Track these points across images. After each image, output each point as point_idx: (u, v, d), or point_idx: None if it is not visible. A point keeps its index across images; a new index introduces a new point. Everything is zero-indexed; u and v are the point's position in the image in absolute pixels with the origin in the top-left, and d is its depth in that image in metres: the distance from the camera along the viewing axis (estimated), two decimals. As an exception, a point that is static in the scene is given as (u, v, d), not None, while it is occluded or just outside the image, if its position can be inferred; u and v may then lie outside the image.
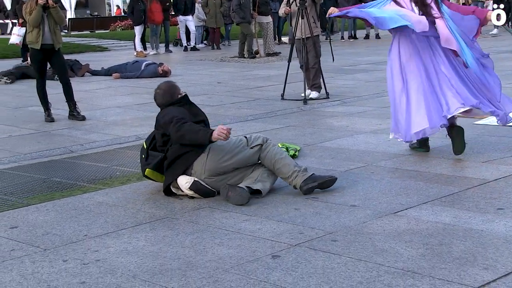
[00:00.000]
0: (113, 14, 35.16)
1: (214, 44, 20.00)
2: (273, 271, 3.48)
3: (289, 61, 9.61)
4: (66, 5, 31.71)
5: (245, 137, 5.06)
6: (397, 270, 3.42)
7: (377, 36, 21.60)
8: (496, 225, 4.04)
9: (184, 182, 4.88)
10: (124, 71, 13.20)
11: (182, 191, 4.92)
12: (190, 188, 4.85)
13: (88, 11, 38.01)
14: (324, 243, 3.86)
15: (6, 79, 12.60)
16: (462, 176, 5.21)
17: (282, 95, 9.57)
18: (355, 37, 21.68)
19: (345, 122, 7.72)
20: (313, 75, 9.49)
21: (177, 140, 4.92)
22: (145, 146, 5.23)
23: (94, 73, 13.64)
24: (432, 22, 5.80)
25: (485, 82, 5.88)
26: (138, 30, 18.20)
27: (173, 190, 4.98)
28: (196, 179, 4.86)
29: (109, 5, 39.53)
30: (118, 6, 37.62)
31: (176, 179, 4.92)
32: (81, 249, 3.91)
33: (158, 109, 8.92)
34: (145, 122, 8.23)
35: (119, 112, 9.04)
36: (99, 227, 4.33)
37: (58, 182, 5.54)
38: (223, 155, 4.90)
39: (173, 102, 5.19)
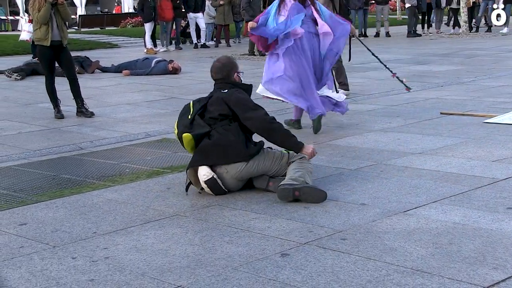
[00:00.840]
0: (124, 11, 35.17)
1: (224, 41, 19.97)
2: (282, 269, 3.47)
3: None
4: (77, 2, 31.77)
5: (288, 152, 4.99)
6: (406, 269, 3.40)
7: (387, 34, 21.54)
8: (506, 224, 4.02)
9: (203, 173, 4.83)
10: (134, 68, 13.22)
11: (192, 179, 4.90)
12: (206, 182, 4.81)
13: (98, 8, 38.09)
14: (334, 241, 3.85)
15: (17, 76, 12.63)
16: (471, 175, 5.18)
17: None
18: (365, 35, 21.59)
19: (355, 120, 7.70)
20: (336, 73, 9.38)
21: (262, 131, 4.90)
22: (192, 108, 5.04)
23: (104, 69, 13.66)
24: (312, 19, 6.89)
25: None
26: (148, 27, 18.21)
27: (188, 174, 4.92)
28: (215, 176, 4.82)
29: (120, 3, 39.60)
30: (117, 3, 37.50)
31: (199, 165, 4.85)
32: (90, 246, 3.92)
33: (168, 106, 8.98)
34: (155, 119, 8.25)
35: (129, 109, 9.05)
36: (108, 224, 4.33)
37: (68, 179, 5.55)
38: (261, 167, 4.88)
39: (234, 83, 5.13)
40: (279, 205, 4.60)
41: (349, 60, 8.75)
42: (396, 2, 30.67)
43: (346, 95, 8.87)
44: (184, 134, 4.90)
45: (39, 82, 12.12)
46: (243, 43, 20.30)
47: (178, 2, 19.18)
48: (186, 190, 4.96)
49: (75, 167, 5.99)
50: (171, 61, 13.27)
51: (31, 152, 6.59)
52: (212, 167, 4.86)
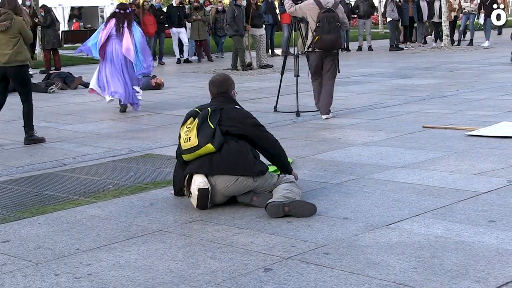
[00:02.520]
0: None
1: (203, 56, 19.99)
2: (265, 284, 3.48)
3: (282, 73, 9.64)
4: (60, 18, 31.71)
5: (278, 175, 5.08)
6: (389, 283, 3.43)
7: (370, 48, 21.69)
8: (488, 237, 4.06)
9: (200, 180, 4.84)
10: None
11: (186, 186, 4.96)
12: (200, 190, 4.81)
13: (81, 24, 38.01)
14: (317, 256, 3.86)
15: None
16: (453, 188, 5.23)
17: (275, 107, 9.59)
18: (348, 49, 21.75)
19: (337, 135, 7.75)
20: None
21: (273, 149, 5.11)
22: (209, 119, 4.95)
23: (87, 85, 13.62)
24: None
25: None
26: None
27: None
28: (210, 189, 4.84)
29: (103, 17, 39.55)
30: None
31: (197, 174, 4.87)
32: (73, 263, 3.91)
33: (152, 122, 8.97)
34: (138, 134, 8.24)
35: (112, 125, 9.04)
36: (91, 240, 4.32)
37: (50, 195, 5.53)
38: (250, 185, 4.92)
39: (232, 99, 5.24)
40: (262, 220, 4.61)
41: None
42: (378, 16, 30.89)
43: None
44: (208, 145, 4.85)
45: (10, 98, 12.08)
46: (225, 57, 20.35)
47: (161, 17, 19.21)
48: (177, 195, 5.19)
49: (58, 183, 5.97)
50: (154, 76, 13.27)
51: (13, 168, 6.56)
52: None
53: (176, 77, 15.74)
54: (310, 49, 8.97)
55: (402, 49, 21.27)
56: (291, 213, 4.62)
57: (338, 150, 6.88)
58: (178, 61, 19.58)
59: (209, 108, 5.01)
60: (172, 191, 5.35)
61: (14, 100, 11.89)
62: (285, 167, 5.22)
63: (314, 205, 4.69)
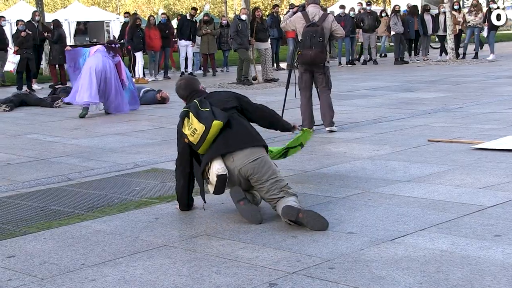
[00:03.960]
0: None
1: (211, 70, 20.05)
2: (270, 299, 3.47)
3: (287, 87, 9.66)
4: (66, 32, 31.81)
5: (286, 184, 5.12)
6: (394, 298, 3.42)
7: (375, 62, 21.73)
8: (494, 252, 4.05)
9: (218, 166, 4.88)
10: None
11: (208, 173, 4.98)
12: (219, 176, 4.85)
13: (87, 38, 38.22)
14: (322, 270, 3.86)
15: (5, 107, 12.65)
16: (459, 202, 5.22)
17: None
18: (352, 63, 21.79)
19: (342, 148, 7.75)
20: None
21: (270, 117, 5.46)
22: (199, 107, 4.99)
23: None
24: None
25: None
26: (139, 56, 18.32)
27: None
28: (228, 174, 4.88)
29: (108, 32, 39.74)
30: (107, 31, 37.67)
31: (216, 158, 4.90)
32: (78, 278, 3.91)
33: (157, 136, 9.00)
34: (144, 149, 8.26)
35: (118, 139, 9.07)
36: (97, 255, 4.33)
37: (56, 210, 5.54)
38: (265, 169, 4.93)
39: (203, 92, 5.33)
40: (267, 234, 4.61)
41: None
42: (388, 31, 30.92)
43: None
44: (215, 122, 4.86)
45: (28, 113, 12.17)
46: (230, 71, 20.41)
47: (167, 32, 19.31)
48: (183, 210, 5.33)
49: (63, 198, 5.99)
50: (159, 90, 13.33)
51: (19, 183, 6.59)
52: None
53: (181, 91, 15.78)
54: (296, 64, 9.06)
55: (407, 62, 21.30)
56: (304, 221, 4.63)
57: (343, 164, 6.89)
58: (182, 75, 19.64)
59: (195, 101, 5.05)
60: (178, 206, 5.37)
61: (19, 115, 12.00)
62: (284, 125, 5.64)
63: (327, 221, 4.69)
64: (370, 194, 5.62)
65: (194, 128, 4.91)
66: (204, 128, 4.86)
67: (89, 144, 8.72)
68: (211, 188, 5.01)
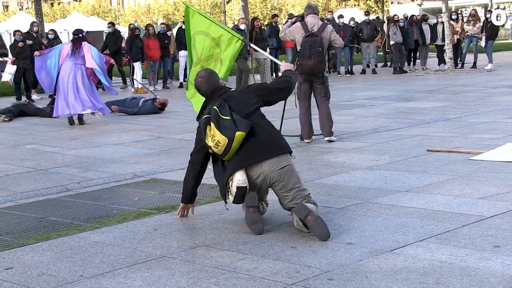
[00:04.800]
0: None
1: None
2: (269, 311, 3.46)
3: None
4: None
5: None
6: (393, 310, 3.40)
7: (374, 71, 21.75)
8: (493, 263, 4.04)
9: (239, 178, 4.88)
10: (122, 106, 13.28)
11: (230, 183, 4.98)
12: (239, 188, 4.86)
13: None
14: (321, 282, 3.85)
15: (4, 117, 12.64)
16: (458, 212, 5.21)
17: (279, 131, 9.58)
18: (351, 72, 21.82)
19: (341, 158, 7.74)
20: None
21: (287, 88, 5.35)
22: (220, 114, 4.94)
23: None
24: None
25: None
26: (138, 66, 18.34)
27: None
28: (247, 186, 4.89)
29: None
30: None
31: (238, 170, 4.90)
32: (76, 290, 3.90)
33: (156, 146, 8.99)
34: (143, 159, 8.25)
35: (117, 149, 9.06)
36: (95, 267, 4.31)
37: (54, 221, 5.53)
38: (291, 181, 4.96)
39: (223, 89, 5.26)
40: (266, 245, 4.60)
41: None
42: (381, 39, 31.01)
43: None
44: (237, 133, 4.83)
45: (27, 123, 12.16)
46: (230, 81, 20.40)
47: (166, 41, 19.33)
48: (185, 203, 5.40)
49: (62, 209, 5.97)
50: (155, 99, 13.38)
51: (18, 194, 6.57)
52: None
53: (180, 101, 15.78)
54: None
55: (406, 72, 21.32)
56: (309, 224, 4.67)
57: (342, 174, 6.88)
58: (181, 86, 19.62)
59: (214, 107, 4.99)
60: (181, 204, 5.41)
61: (18, 125, 11.99)
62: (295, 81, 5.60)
63: (330, 234, 4.69)
64: (369, 204, 5.61)
65: (218, 141, 4.88)
66: (227, 141, 4.85)
67: (88, 154, 8.70)
68: (231, 197, 5.01)
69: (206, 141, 4.99)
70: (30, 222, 5.51)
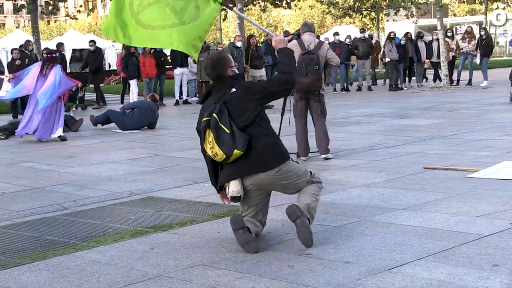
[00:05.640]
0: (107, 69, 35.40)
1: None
2: (267, 331, 3.43)
3: (282, 114, 9.65)
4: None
5: (310, 172, 5.26)
6: (392, 330, 3.38)
7: (369, 88, 21.82)
8: (492, 282, 4.02)
9: (233, 189, 4.97)
10: (122, 119, 13.36)
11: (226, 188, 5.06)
12: (233, 198, 4.99)
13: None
14: (319, 301, 3.82)
15: (0, 135, 12.61)
16: (456, 231, 5.20)
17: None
18: (347, 89, 21.88)
19: (338, 176, 7.74)
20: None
21: (288, 84, 5.17)
22: (219, 123, 4.93)
23: (96, 121, 13.68)
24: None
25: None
26: (134, 84, 18.36)
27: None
28: (242, 196, 4.99)
29: (104, 59, 39.85)
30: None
31: (233, 179, 4.97)
32: (72, 310, 3.86)
33: (153, 164, 8.97)
34: (139, 177, 8.23)
35: (113, 167, 9.04)
36: (92, 286, 4.28)
37: (51, 240, 5.50)
38: (288, 180, 5.06)
39: (231, 78, 5.17)
40: (263, 264, 4.58)
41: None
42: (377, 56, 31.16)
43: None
44: (235, 152, 4.88)
45: (23, 141, 12.13)
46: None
47: (162, 59, 19.38)
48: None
49: (58, 227, 5.94)
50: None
51: (14, 213, 6.54)
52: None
53: (176, 118, 15.82)
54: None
55: (402, 89, 21.39)
56: (296, 225, 4.84)
57: (339, 192, 6.87)
58: (177, 103, 19.63)
59: (214, 114, 4.95)
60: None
61: (14, 143, 11.96)
62: (289, 60, 5.30)
63: (312, 241, 4.86)
64: (366, 222, 5.59)
65: (216, 153, 4.93)
66: (225, 156, 4.90)
67: (84, 172, 8.68)
68: (226, 201, 5.17)
69: (204, 146, 5.03)
70: (26, 241, 5.48)
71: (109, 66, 36.14)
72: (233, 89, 5.09)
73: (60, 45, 19.69)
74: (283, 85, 5.19)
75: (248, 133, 4.96)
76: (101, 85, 22.93)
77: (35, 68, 12.13)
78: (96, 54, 19.42)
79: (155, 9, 5.93)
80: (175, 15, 5.85)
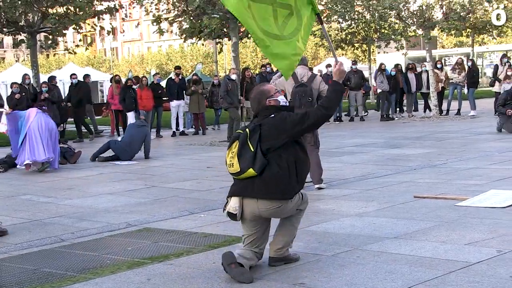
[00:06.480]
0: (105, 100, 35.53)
1: (201, 128, 20.10)
2: None
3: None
4: (61, 92, 32.02)
5: (302, 194, 5.30)
6: None
7: (362, 119, 21.92)
8: (480, 309, 4.03)
9: (232, 205, 5.11)
10: (125, 148, 13.47)
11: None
12: (229, 213, 5.13)
13: (81, 98, 38.49)
14: (311, 331, 3.83)
15: (-1, 168, 12.61)
16: (445, 259, 5.22)
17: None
18: (340, 120, 21.98)
19: (331, 206, 7.76)
20: None
21: (315, 124, 5.20)
22: (248, 140, 5.05)
23: (96, 155, 13.73)
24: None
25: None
26: (131, 116, 18.42)
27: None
28: (239, 216, 5.11)
29: (102, 91, 40.01)
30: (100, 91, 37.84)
31: (236, 196, 5.12)
32: None
33: (149, 195, 8.98)
34: (136, 208, 8.24)
35: (110, 199, 9.04)
36: (88, 318, 4.28)
37: (48, 272, 5.48)
38: (283, 215, 5.22)
39: (271, 108, 5.21)
40: (257, 294, 4.58)
41: None
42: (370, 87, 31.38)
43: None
44: (250, 171, 4.99)
45: (21, 173, 12.12)
46: (222, 129, 20.51)
47: (159, 92, 19.47)
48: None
49: (56, 260, 5.93)
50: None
51: (12, 245, 6.53)
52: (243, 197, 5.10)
53: (173, 149, 15.84)
54: None
55: (393, 119, 21.50)
56: (231, 274, 4.94)
57: (332, 221, 6.88)
58: (173, 134, 19.68)
59: (247, 129, 5.10)
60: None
61: (13, 176, 11.96)
62: (338, 98, 5.26)
63: (251, 279, 4.90)
64: (358, 251, 5.61)
65: (232, 163, 5.06)
66: (239, 170, 5.03)
67: (82, 204, 8.68)
68: (225, 209, 5.25)
69: (226, 154, 5.18)
70: (24, 274, 5.46)
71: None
72: (272, 116, 5.17)
73: (52, 78, 19.71)
74: (318, 123, 5.24)
75: (267, 158, 5.03)
76: (97, 117, 23.07)
77: (31, 115, 12.39)
78: (78, 87, 19.27)
79: (262, 8, 5.53)
80: (276, 26, 5.59)
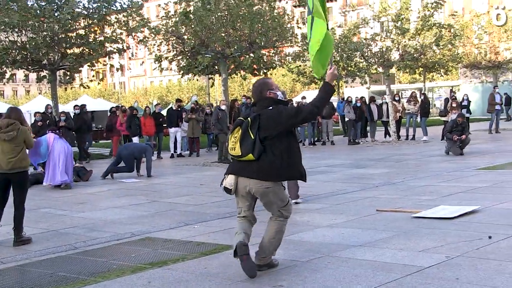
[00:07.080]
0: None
1: (194, 151, 20.03)
2: None
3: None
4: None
5: (289, 200, 5.26)
6: None
7: (332, 143, 21.97)
8: (432, 307, 4.02)
9: (229, 181, 5.08)
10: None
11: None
12: (225, 188, 5.12)
13: (93, 124, 38.30)
14: (289, 327, 3.79)
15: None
16: (402, 264, 5.21)
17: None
18: (314, 144, 22.01)
19: (306, 218, 7.73)
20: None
21: (306, 118, 5.06)
22: (250, 129, 4.97)
23: (108, 171, 13.67)
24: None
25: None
26: (136, 140, 18.35)
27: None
28: (233, 192, 5.09)
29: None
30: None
31: (232, 174, 5.06)
32: (80, 338, 3.79)
33: (150, 209, 8.91)
34: (139, 220, 8.17)
35: (117, 212, 8.96)
36: (97, 316, 4.21)
37: (63, 276, 5.41)
38: (272, 201, 5.13)
39: (270, 100, 5.12)
40: (243, 295, 4.54)
41: None
42: (338, 116, 31.54)
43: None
44: (249, 156, 4.95)
45: (41, 190, 12.00)
46: (214, 152, 20.45)
47: (161, 120, 19.43)
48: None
49: (70, 265, 5.86)
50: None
51: (32, 252, 6.44)
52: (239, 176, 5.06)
53: (171, 169, 15.76)
54: None
55: (359, 143, 21.56)
56: (242, 265, 4.92)
57: (307, 231, 6.86)
58: (172, 156, 19.60)
59: (249, 119, 5.04)
60: None
61: (34, 192, 11.80)
62: (328, 97, 5.15)
63: (255, 274, 4.92)
64: (329, 257, 5.58)
65: (234, 148, 5.03)
66: (240, 154, 4.99)
67: (93, 217, 8.59)
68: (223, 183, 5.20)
69: (229, 136, 5.12)
70: (42, 278, 5.39)
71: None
72: (270, 108, 5.09)
73: (47, 106, 19.28)
74: (310, 118, 5.14)
75: (264, 145, 4.98)
76: (109, 141, 22.89)
77: (50, 139, 12.33)
78: (80, 115, 19.15)
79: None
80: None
